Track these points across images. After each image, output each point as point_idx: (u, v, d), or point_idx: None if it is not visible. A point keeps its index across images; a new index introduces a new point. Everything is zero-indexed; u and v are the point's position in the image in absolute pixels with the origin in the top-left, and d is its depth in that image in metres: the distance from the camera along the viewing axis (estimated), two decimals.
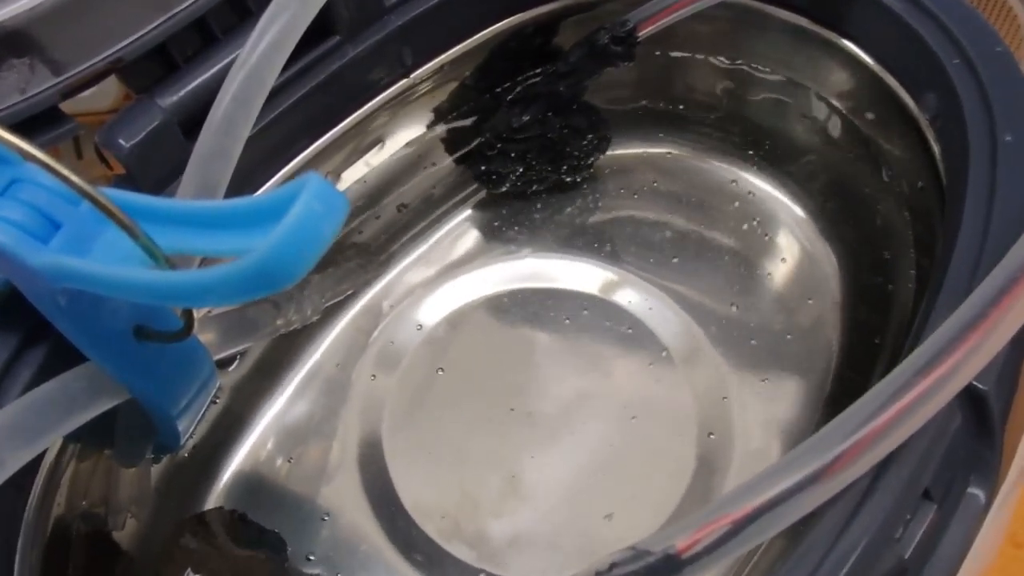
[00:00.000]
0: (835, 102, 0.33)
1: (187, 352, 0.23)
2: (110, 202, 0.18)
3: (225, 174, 0.25)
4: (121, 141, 0.26)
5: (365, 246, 0.35)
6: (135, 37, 0.26)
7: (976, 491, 0.20)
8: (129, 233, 0.18)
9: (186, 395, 0.24)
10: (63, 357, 0.22)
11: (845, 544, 0.17)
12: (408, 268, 0.36)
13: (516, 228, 0.36)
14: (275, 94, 0.28)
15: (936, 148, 0.27)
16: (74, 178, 0.18)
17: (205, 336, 0.27)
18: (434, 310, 0.34)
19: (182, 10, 0.27)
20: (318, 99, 0.30)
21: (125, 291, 0.18)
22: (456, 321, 0.34)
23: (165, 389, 0.23)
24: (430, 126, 0.35)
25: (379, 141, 0.34)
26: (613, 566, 0.17)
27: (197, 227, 0.19)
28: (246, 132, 0.25)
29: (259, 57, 0.25)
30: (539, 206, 0.37)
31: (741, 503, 0.17)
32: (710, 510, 0.17)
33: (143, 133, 0.26)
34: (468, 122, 0.35)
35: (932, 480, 0.19)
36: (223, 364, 0.31)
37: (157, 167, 0.26)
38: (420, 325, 0.34)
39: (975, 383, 0.19)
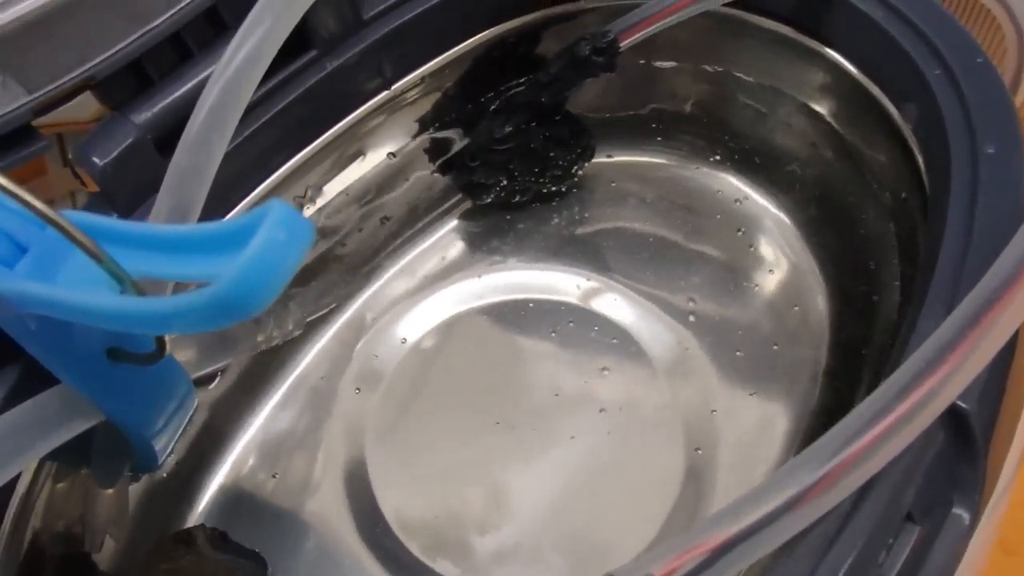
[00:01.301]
0: (819, 110, 0.32)
1: (163, 372, 0.23)
2: (73, 227, 0.18)
3: (201, 191, 0.24)
4: (95, 159, 0.25)
5: (348, 259, 0.34)
6: (109, 53, 0.26)
7: (960, 512, 0.19)
8: (94, 258, 0.18)
9: (162, 416, 0.24)
10: (36, 378, 0.22)
11: (825, 571, 0.17)
12: (392, 280, 0.35)
13: (501, 239, 0.36)
14: (252, 109, 0.28)
15: (920, 158, 0.27)
16: (37, 203, 0.18)
17: (183, 354, 0.26)
18: (418, 323, 0.34)
19: (157, 26, 0.27)
20: (296, 113, 0.29)
21: (89, 318, 0.18)
22: (440, 333, 0.34)
23: (140, 410, 0.23)
24: (413, 137, 0.35)
25: (360, 153, 0.33)
26: None
27: (163, 251, 0.18)
28: (222, 148, 0.24)
29: (235, 72, 0.24)
30: (524, 217, 0.36)
31: (717, 531, 0.16)
32: (686, 538, 0.17)
33: (117, 151, 0.25)
34: (451, 132, 0.35)
35: (914, 502, 0.19)
36: (204, 381, 0.31)
37: (131, 185, 0.26)
38: (404, 338, 0.34)
39: (958, 402, 0.19)
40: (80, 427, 0.22)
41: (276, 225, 0.15)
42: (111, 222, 0.19)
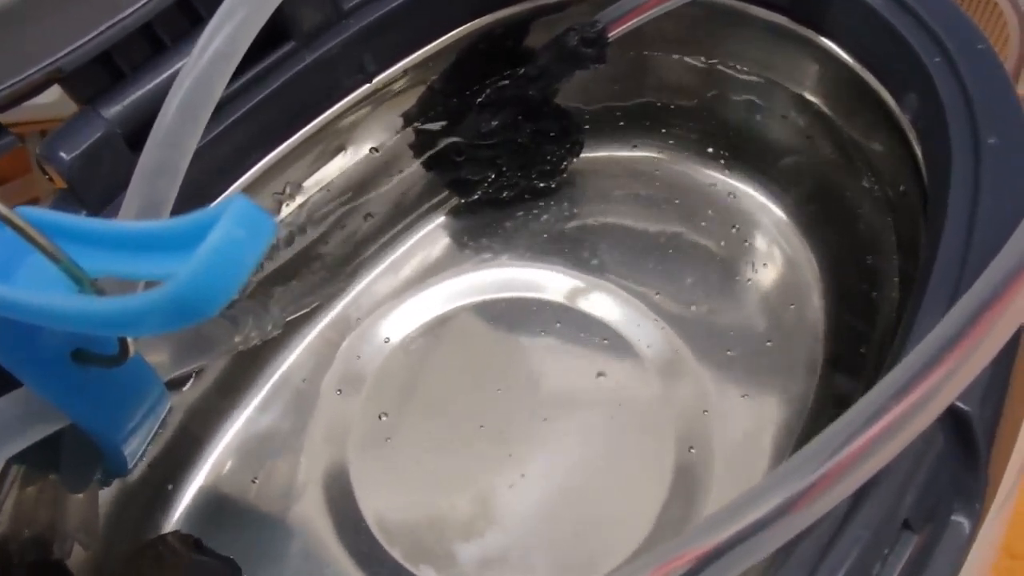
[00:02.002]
0: (815, 102, 0.32)
1: (131, 375, 0.22)
2: (29, 225, 0.17)
3: (171, 188, 0.23)
4: (62, 154, 0.24)
5: (330, 257, 0.34)
6: (77, 45, 0.25)
7: (960, 519, 0.18)
8: (51, 257, 0.17)
9: (131, 420, 0.23)
10: None
11: None
12: (376, 279, 0.34)
13: (489, 236, 0.35)
14: (228, 102, 0.27)
15: (918, 150, 0.26)
16: None
17: (156, 357, 0.25)
18: (403, 322, 0.33)
19: (127, 16, 0.26)
20: (274, 107, 0.28)
21: (46, 319, 0.17)
22: (426, 333, 0.33)
23: (108, 414, 0.22)
24: (397, 131, 0.34)
25: (342, 148, 0.32)
26: None
27: (124, 249, 0.18)
28: (193, 144, 0.24)
29: (206, 65, 0.24)
30: (512, 213, 0.35)
31: (703, 539, 0.16)
32: (671, 547, 0.16)
33: (85, 145, 0.25)
34: (437, 127, 0.34)
35: (912, 509, 0.18)
36: (177, 384, 0.30)
37: (100, 181, 0.25)
38: (388, 338, 0.33)
39: (958, 404, 0.18)
40: (44, 432, 0.21)
41: (234, 221, 0.14)
42: (71, 219, 0.18)
